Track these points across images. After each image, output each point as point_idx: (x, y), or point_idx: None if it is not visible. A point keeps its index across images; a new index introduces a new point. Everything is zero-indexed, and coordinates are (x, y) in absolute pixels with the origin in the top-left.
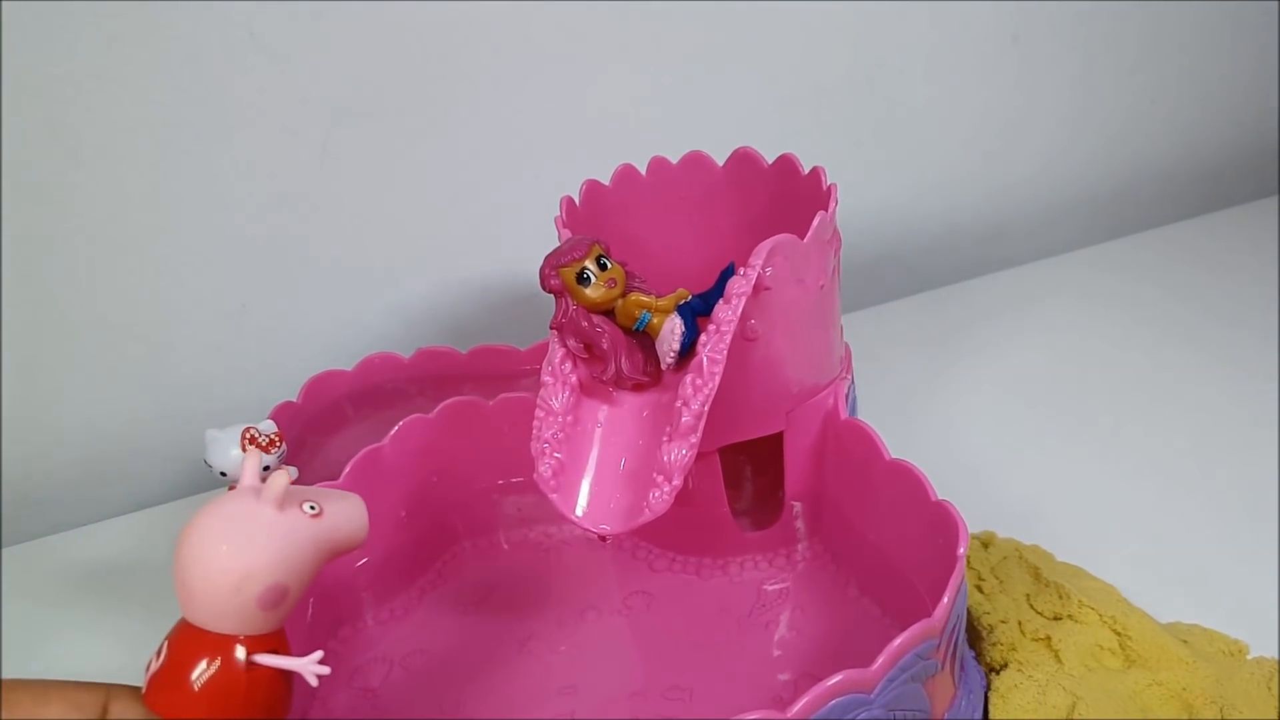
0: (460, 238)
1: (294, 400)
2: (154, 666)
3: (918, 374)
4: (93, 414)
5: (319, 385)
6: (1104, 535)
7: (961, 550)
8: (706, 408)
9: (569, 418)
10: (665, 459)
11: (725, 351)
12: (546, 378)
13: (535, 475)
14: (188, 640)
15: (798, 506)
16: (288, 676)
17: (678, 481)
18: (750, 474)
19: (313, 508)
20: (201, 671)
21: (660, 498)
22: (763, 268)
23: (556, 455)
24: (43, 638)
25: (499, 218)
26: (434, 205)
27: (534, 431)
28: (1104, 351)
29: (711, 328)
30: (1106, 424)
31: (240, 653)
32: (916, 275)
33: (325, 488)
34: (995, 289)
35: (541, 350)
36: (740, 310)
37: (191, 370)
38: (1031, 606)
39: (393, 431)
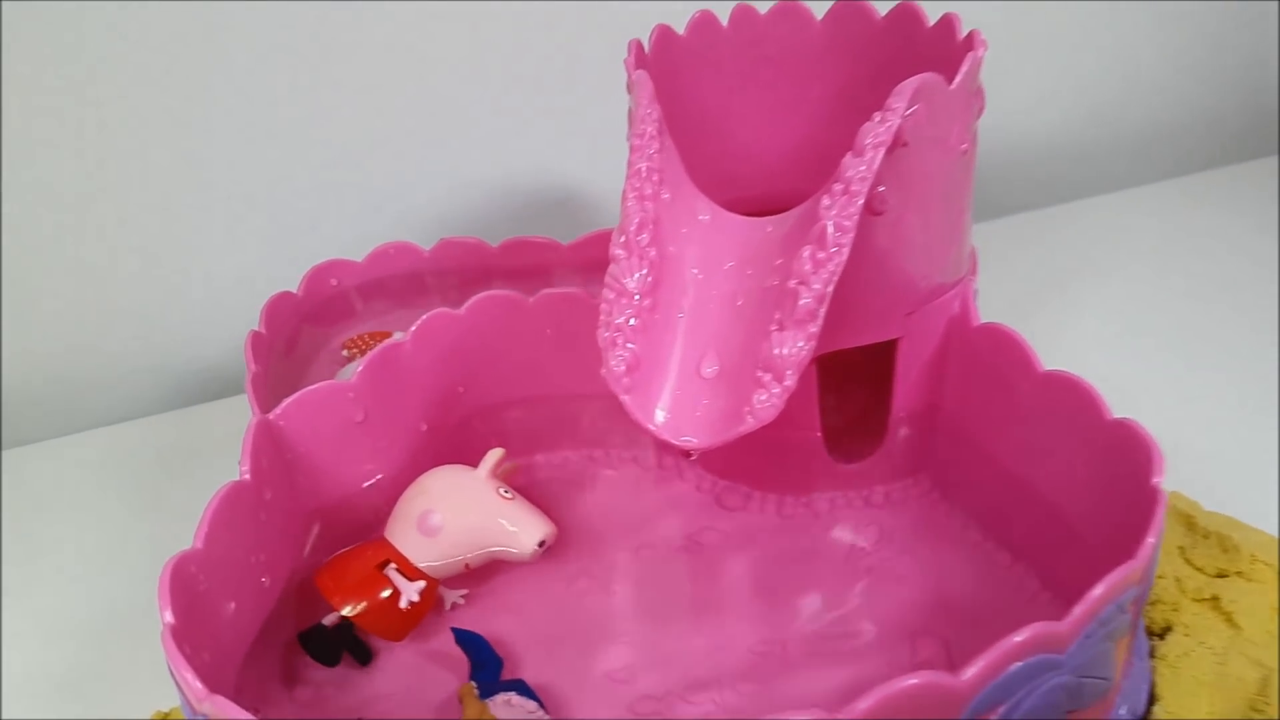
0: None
1: (293, 291)
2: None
3: (1027, 296)
4: (88, 315)
5: (322, 275)
6: (1248, 481)
7: (1158, 479)
8: (831, 288)
9: (646, 301)
10: (775, 352)
11: (855, 219)
12: (618, 250)
13: (604, 371)
14: (368, 543)
15: (905, 431)
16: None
17: (790, 382)
18: (846, 391)
19: (508, 493)
20: (351, 561)
21: (768, 402)
22: (905, 112)
23: (630, 346)
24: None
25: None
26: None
27: (601, 317)
28: (1241, 277)
29: (838, 188)
30: (1245, 357)
31: (382, 557)
32: (1027, 189)
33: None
34: (1115, 208)
35: (588, 245)
36: (876, 168)
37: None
38: (1188, 561)
39: (415, 326)
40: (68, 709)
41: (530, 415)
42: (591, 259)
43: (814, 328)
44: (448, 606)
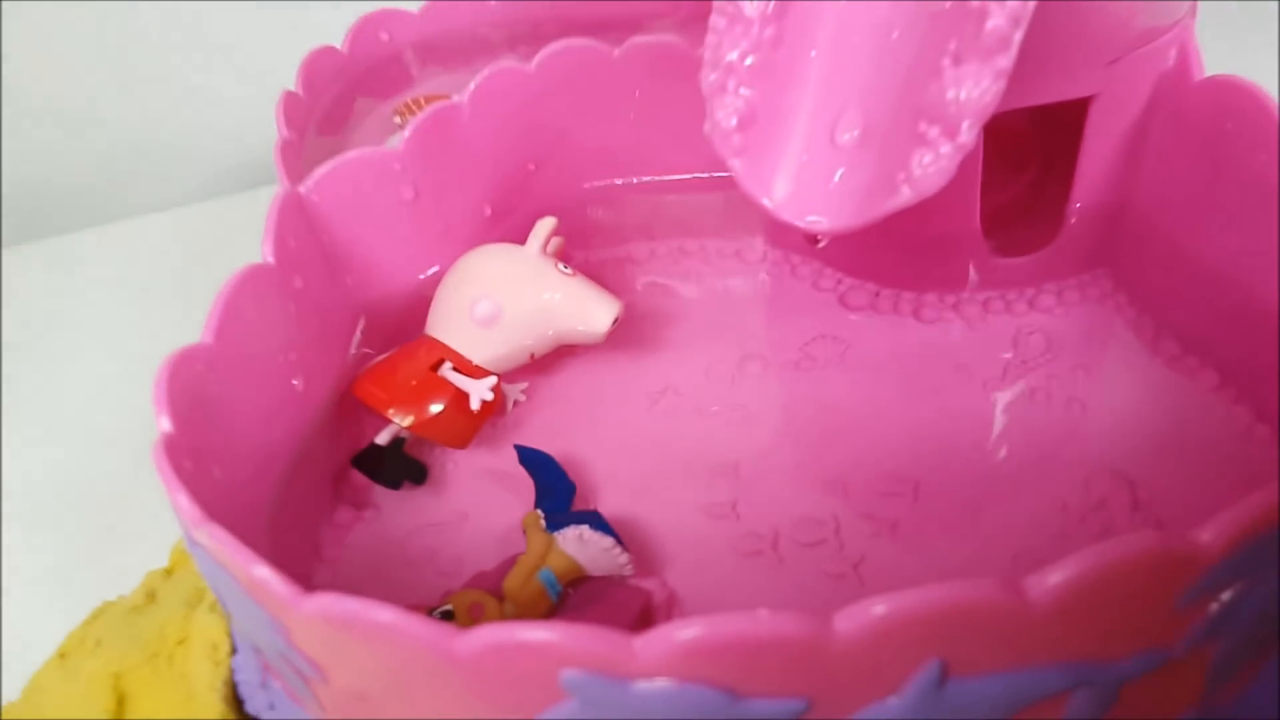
0: None
1: (337, 47)
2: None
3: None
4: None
5: (371, 29)
6: None
7: None
8: (1031, 6)
9: (769, 32)
10: (948, 95)
11: None
12: None
13: (708, 126)
14: (409, 344)
15: (1086, 218)
16: (468, 409)
17: (967, 137)
18: (1006, 170)
19: (566, 269)
20: (398, 366)
21: (934, 165)
22: None
23: (745, 93)
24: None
25: None
26: None
27: (707, 54)
28: None
29: None
30: None
31: (435, 357)
32: None
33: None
34: None
35: None
36: None
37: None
38: None
39: (473, 84)
40: (77, 522)
41: (613, 201)
42: (696, 4)
43: (1005, 60)
44: (510, 405)
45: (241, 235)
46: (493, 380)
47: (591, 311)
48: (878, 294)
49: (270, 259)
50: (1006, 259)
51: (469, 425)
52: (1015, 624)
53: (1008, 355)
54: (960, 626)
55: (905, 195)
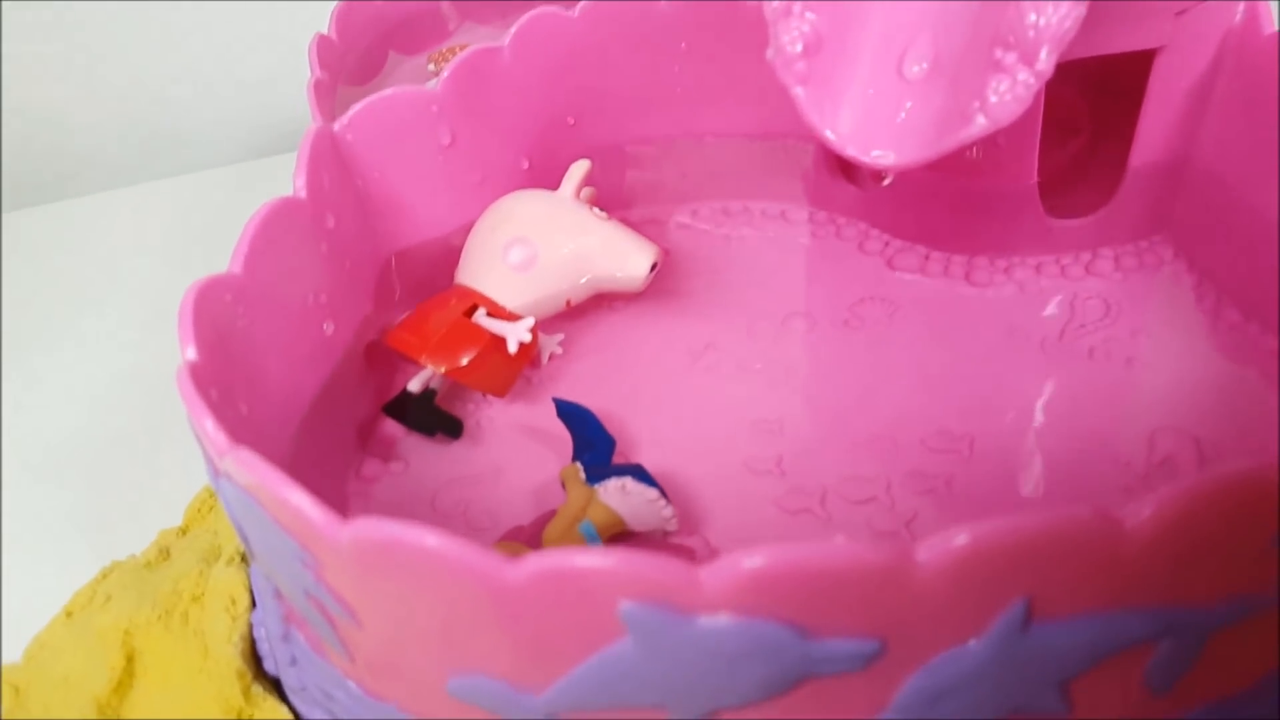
0: None
1: None
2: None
3: None
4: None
5: None
6: None
7: None
8: None
9: None
10: (1026, 20)
11: None
12: None
13: (770, 53)
14: (441, 293)
15: (1147, 180)
16: (508, 355)
17: (1046, 65)
18: (1064, 128)
19: (601, 214)
20: (430, 313)
21: (1010, 92)
22: None
23: (810, 17)
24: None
25: None
26: None
27: None
28: None
29: None
30: None
31: (468, 304)
32: None
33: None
34: None
35: None
36: None
37: None
38: None
39: (514, 28)
40: (87, 480)
41: (655, 159)
42: None
43: None
44: (545, 358)
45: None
46: (530, 321)
47: (630, 257)
48: (927, 256)
49: (303, 193)
50: (1062, 220)
51: (507, 371)
52: (1107, 558)
53: (1064, 318)
54: (1050, 561)
55: (980, 124)
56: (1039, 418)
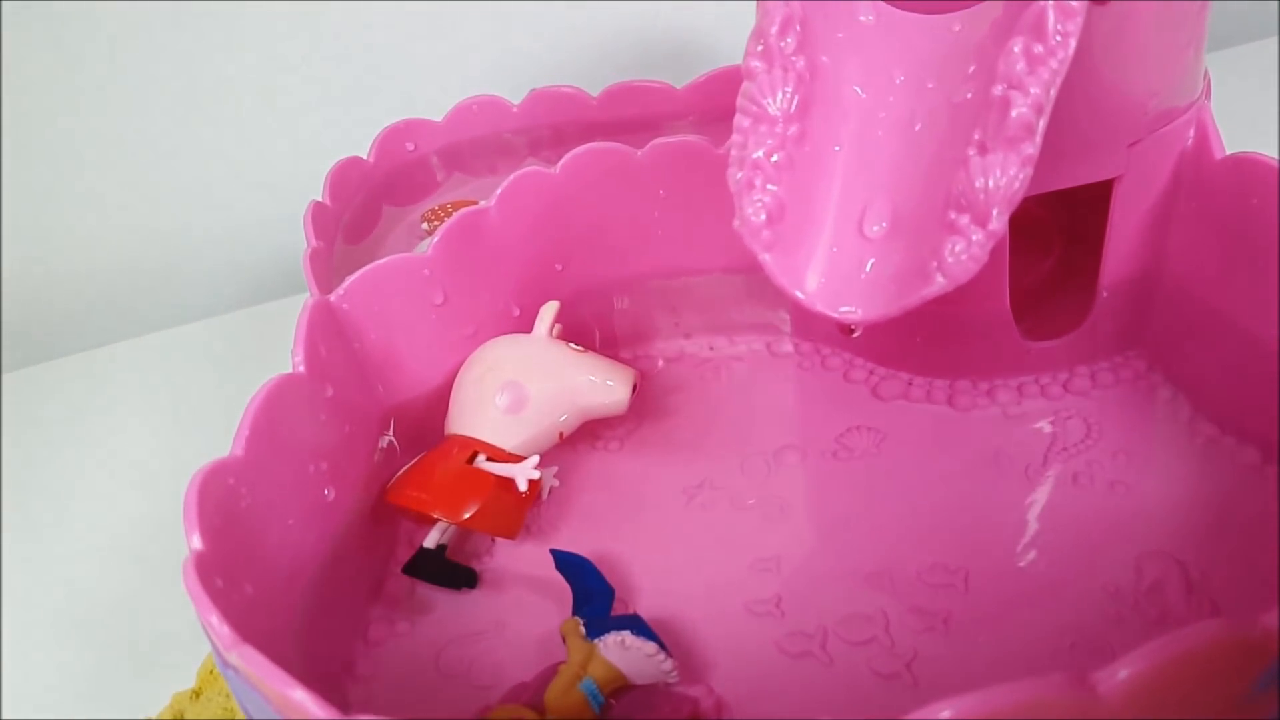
0: None
1: (362, 158)
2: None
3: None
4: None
5: (397, 139)
6: None
7: None
8: (1053, 94)
9: (793, 129)
10: (976, 184)
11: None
12: (755, 62)
13: (737, 222)
14: (436, 447)
15: (1116, 299)
16: (515, 495)
17: (998, 225)
18: (1032, 253)
19: (577, 347)
20: (433, 467)
21: (965, 253)
22: None
23: (771, 189)
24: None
25: None
26: None
27: (733, 152)
28: None
29: None
30: None
31: (468, 451)
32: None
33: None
34: None
35: (709, 87)
36: None
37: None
38: None
39: (500, 189)
40: (101, 643)
41: (641, 297)
42: (714, 105)
43: (1030, 148)
44: (545, 494)
45: (268, 346)
46: (535, 459)
47: (613, 383)
48: (910, 383)
49: (301, 368)
50: (1038, 342)
51: (515, 511)
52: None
53: (1047, 440)
54: None
55: (939, 283)
56: (1029, 548)
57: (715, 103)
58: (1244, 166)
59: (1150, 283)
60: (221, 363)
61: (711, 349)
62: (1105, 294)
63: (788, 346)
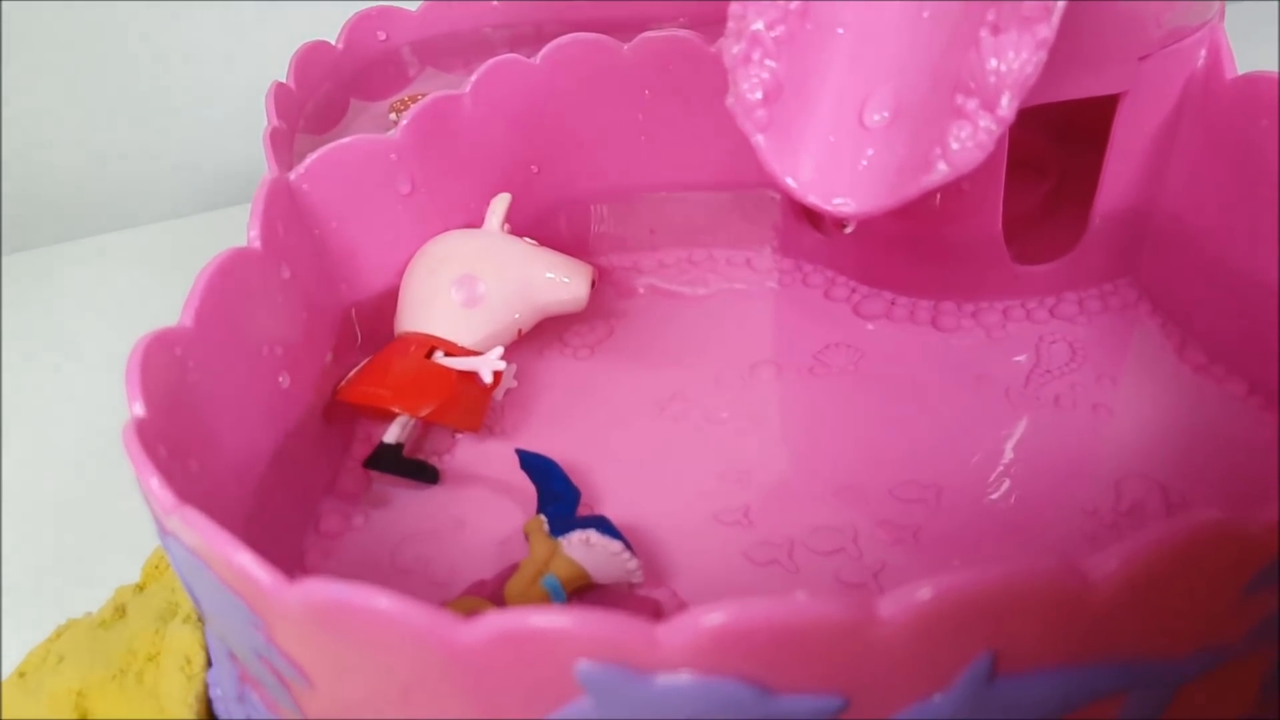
0: None
1: (331, 43)
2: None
3: None
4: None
5: (367, 27)
6: None
7: None
8: None
9: (795, 3)
10: (988, 65)
11: None
12: None
13: (730, 99)
14: (388, 346)
15: (1111, 225)
16: (477, 388)
17: (1008, 111)
18: (1026, 176)
19: (531, 241)
20: (390, 363)
21: (971, 139)
22: None
23: (770, 64)
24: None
25: None
26: None
27: (731, 24)
28: None
29: None
30: None
31: (425, 348)
32: None
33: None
34: None
35: None
36: None
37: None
38: None
39: (475, 75)
40: (40, 536)
41: (619, 206)
42: (707, 7)
43: (1046, 30)
44: (499, 395)
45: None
46: (500, 350)
47: (571, 278)
48: (893, 302)
49: (257, 243)
50: (1027, 266)
51: (477, 405)
52: (1074, 611)
53: (1030, 363)
54: (1015, 614)
55: (942, 171)
56: (1006, 467)
57: (709, 3)
58: (1256, 85)
59: (1146, 209)
60: (180, 265)
61: (691, 262)
62: (1099, 221)
63: (769, 262)
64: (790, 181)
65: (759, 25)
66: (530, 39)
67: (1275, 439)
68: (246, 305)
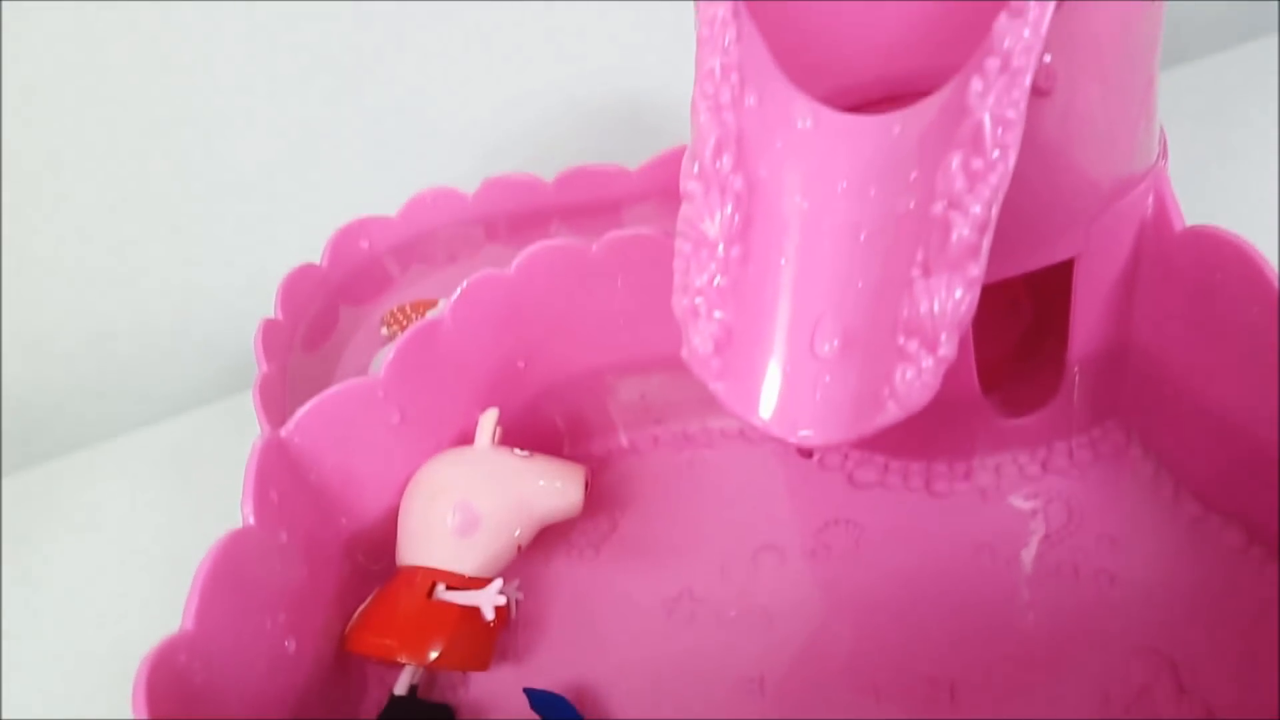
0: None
1: (316, 263)
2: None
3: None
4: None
5: (350, 238)
6: None
7: None
8: (995, 211)
9: (735, 250)
10: (921, 310)
11: (1022, 107)
12: (692, 184)
13: (685, 353)
14: (390, 581)
15: (1087, 374)
16: (482, 624)
17: (947, 351)
18: (1001, 321)
19: (522, 452)
20: (393, 605)
21: (917, 380)
22: None
23: (718, 315)
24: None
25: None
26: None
27: (676, 280)
28: None
29: (992, 65)
30: None
31: (427, 584)
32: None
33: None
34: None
35: (662, 167)
36: (1045, 29)
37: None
38: None
39: (454, 296)
40: None
41: (608, 389)
42: (671, 186)
43: (975, 269)
44: (513, 613)
45: (233, 440)
46: (499, 583)
47: (565, 490)
48: (886, 467)
49: (251, 519)
50: (1012, 420)
51: (485, 641)
52: None
53: (1028, 531)
54: None
55: (892, 411)
56: (1017, 647)
57: (673, 183)
58: (1203, 240)
59: (1121, 353)
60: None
61: (685, 436)
62: (1076, 368)
63: (760, 432)
64: (754, 421)
65: (701, 280)
66: (504, 228)
67: (1275, 594)
68: (246, 590)
